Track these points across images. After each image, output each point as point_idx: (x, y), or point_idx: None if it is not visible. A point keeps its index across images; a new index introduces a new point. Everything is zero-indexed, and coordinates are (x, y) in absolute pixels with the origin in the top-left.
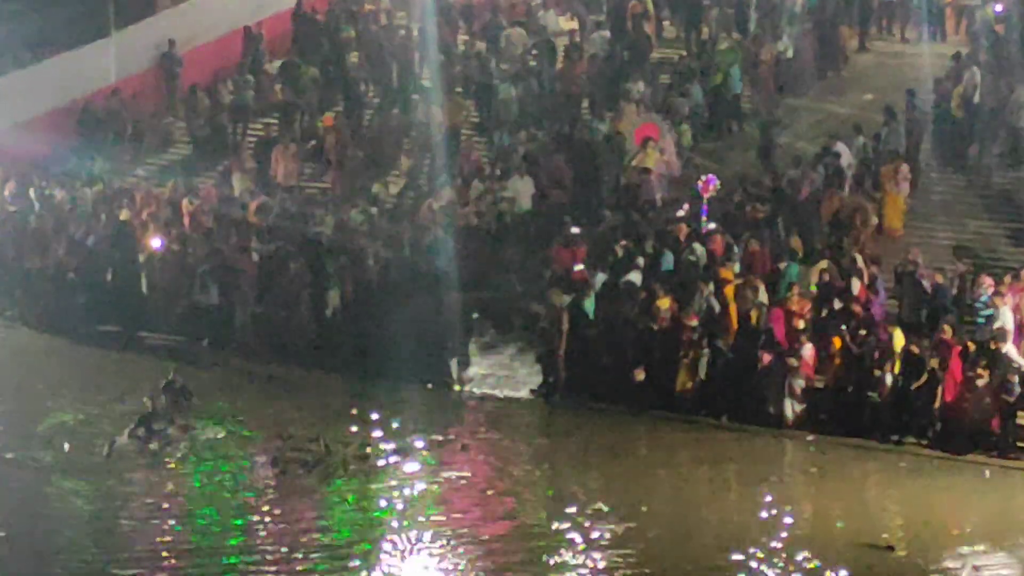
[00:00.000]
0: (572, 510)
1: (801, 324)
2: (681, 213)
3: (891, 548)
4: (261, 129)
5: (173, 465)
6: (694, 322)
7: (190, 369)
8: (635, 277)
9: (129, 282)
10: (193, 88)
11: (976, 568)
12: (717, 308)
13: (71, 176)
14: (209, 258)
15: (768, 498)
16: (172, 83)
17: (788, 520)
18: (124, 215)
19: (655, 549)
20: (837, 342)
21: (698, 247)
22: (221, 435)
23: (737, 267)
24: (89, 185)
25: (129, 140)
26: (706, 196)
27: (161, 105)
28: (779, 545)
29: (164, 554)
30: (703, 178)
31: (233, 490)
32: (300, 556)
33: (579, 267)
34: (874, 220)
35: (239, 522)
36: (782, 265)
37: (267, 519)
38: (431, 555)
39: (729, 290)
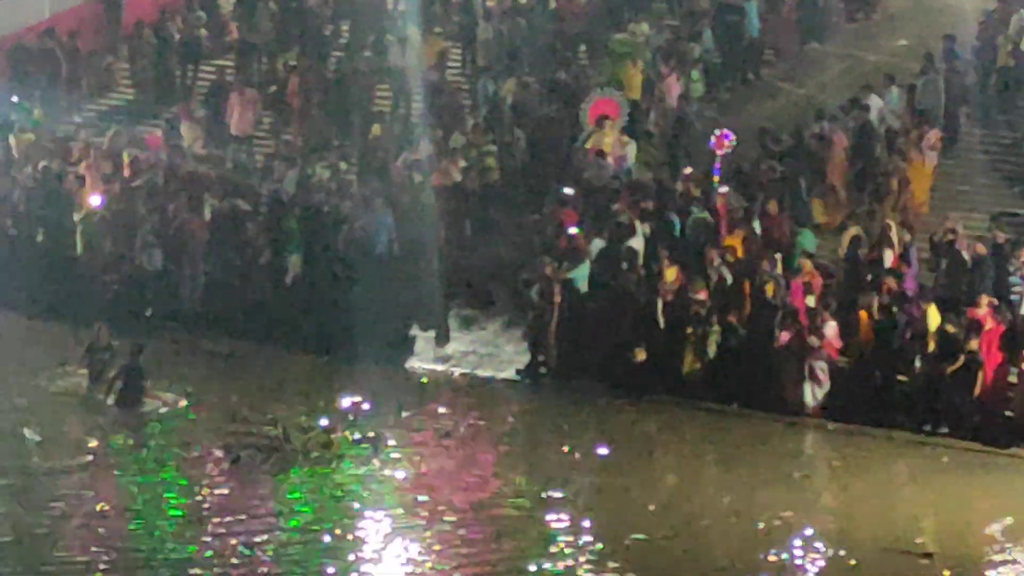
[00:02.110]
0: (561, 506)
1: (811, 300)
2: (688, 171)
3: (928, 556)
4: (214, 72)
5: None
6: (703, 295)
7: (130, 343)
8: (637, 244)
9: (63, 243)
10: (138, 25)
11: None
12: (729, 280)
13: None
14: (153, 217)
15: (785, 495)
16: (114, 19)
17: (809, 521)
18: (55, 166)
19: (658, 552)
20: (864, 317)
21: (708, 211)
22: (166, 417)
23: (754, 231)
24: (19, 133)
25: (65, 83)
26: (720, 153)
27: (101, 44)
28: (799, 550)
29: (84, 558)
30: (717, 132)
31: (179, 481)
32: (255, 555)
33: (573, 231)
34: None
35: (182, 529)
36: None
37: (218, 514)
38: (402, 553)
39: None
